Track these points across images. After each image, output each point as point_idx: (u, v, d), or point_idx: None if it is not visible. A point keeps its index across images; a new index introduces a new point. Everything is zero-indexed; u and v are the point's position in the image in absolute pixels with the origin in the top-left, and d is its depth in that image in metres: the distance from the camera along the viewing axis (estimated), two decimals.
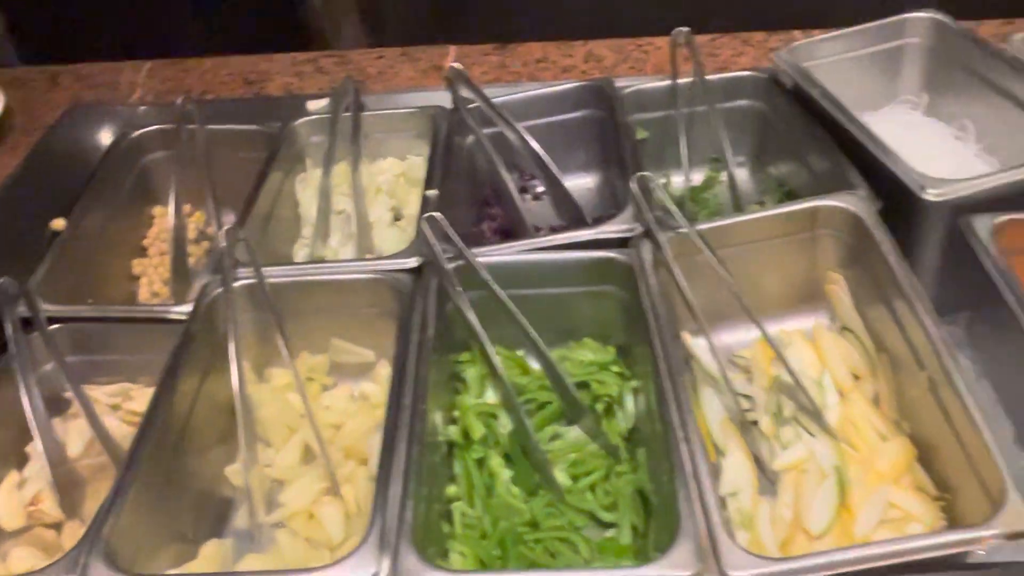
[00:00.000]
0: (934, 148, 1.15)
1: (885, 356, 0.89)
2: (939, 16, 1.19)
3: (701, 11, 1.53)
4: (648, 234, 0.93)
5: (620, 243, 0.97)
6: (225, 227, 0.96)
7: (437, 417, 0.86)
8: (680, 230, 0.92)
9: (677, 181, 1.28)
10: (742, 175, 1.30)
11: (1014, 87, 1.08)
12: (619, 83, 1.27)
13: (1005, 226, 0.91)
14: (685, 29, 1.22)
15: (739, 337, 1.00)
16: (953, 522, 0.75)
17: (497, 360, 0.88)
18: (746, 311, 0.88)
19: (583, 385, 0.96)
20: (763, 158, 1.27)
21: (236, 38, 1.77)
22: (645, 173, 0.94)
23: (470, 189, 1.25)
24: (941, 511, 0.77)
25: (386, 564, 0.69)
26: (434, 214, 0.94)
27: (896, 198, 0.95)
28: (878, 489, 0.79)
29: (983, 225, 0.91)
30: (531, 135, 1.22)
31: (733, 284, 0.87)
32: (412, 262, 0.98)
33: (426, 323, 0.90)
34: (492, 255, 0.97)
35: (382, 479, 0.75)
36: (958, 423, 0.74)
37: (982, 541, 0.65)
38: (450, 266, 0.95)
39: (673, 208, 0.91)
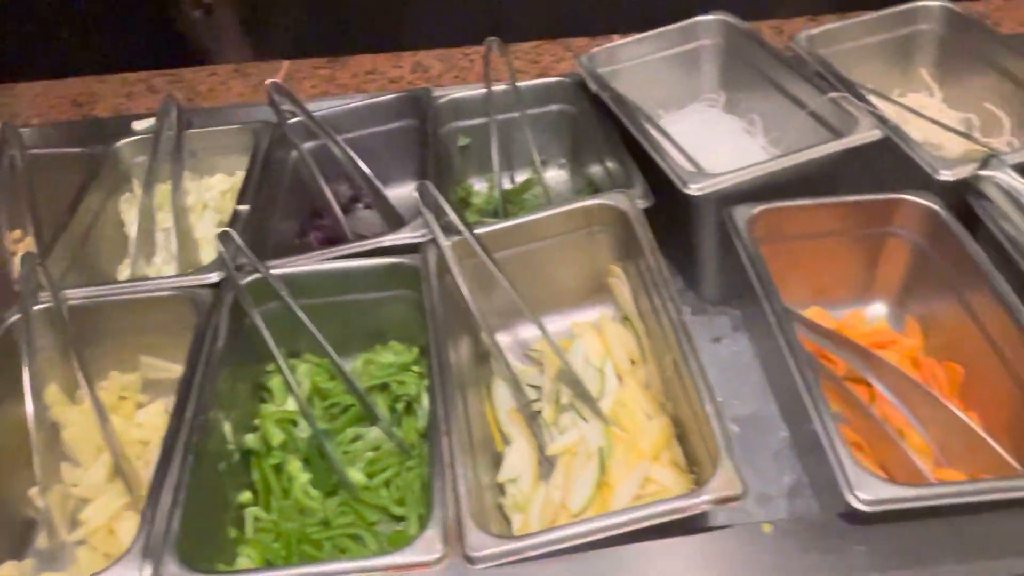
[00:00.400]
0: (726, 142, 1.22)
1: (652, 342, 0.95)
2: (727, 17, 1.27)
3: (529, 18, 1.59)
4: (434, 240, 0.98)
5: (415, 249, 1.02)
6: (18, 254, 0.97)
7: (228, 427, 0.89)
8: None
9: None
10: (562, 176, 1.37)
11: (788, 83, 1.16)
12: (443, 92, 1.32)
13: (760, 215, 0.98)
14: (494, 39, 1.27)
15: (538, 332, 1.06)
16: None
17: (285, 367, 0.91)
18: (522, 308, 0.93)
19: (384, 386, 1.00)
20: (578, 159, 1.33)
21: (116, 57, 1.76)
22: (426, 182, 0.99)
23: (298, 201, 1.28)
24: (694, 483, 0.84)
25: (148, 572, 0.71)
26: (227, 229, 0.98)
27: (669, 194, 1.01)
28: (638, 466, 0.85)
29: (741, 215, 0.98)
30: (355, 146, 1.26)
31: (506, 283, 0.92)
32: (213, 277, 1.00)
33: (217, 336, 0.92)
34: (291, 266, 1.00)
35: (154, 490, 0.78)
36: (693, 400, 0.80)
37: (697, 507, 0.71)
38: (249, 279, 0.98)
39: (451, 214, 0.95)
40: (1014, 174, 0.95)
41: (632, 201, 0.99)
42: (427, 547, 0.71)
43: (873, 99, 1.22)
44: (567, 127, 1.33)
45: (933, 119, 1.17)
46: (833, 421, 0.77)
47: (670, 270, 1.14)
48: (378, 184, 1.23)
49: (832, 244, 1.04)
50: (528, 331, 1.05)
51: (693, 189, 0.97)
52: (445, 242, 0.95)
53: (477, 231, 0.98)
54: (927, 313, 1.01)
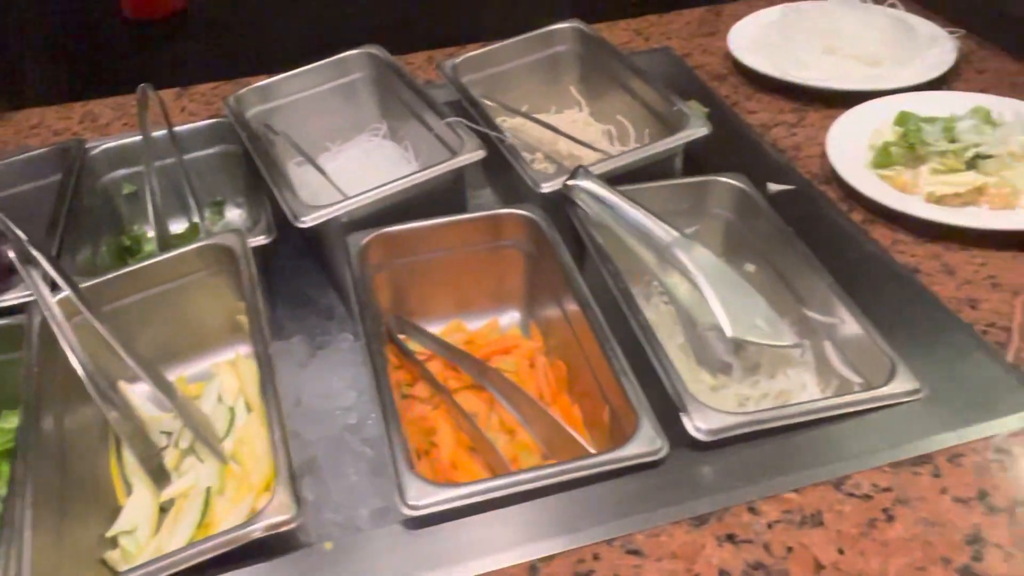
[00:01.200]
0: (385, 170, 1.27)
1: None
2: (373, 50, 1.32)
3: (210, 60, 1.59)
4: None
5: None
6: None
7: None
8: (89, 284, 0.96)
9: (175, 228, 1.33)
10: (243, 215, 1.37)
11: (422, 111, 1.22)
12: (100, 142, 1.31)
13: (375, 240, 1.03)
14: (147, 84, 1.26)
15: (189, 371, 1.07)
16: None
17: None
18: (127, 360, 0.93)
19: (11, 452, 0.97)
20: (252, 198, 1.34)
21: None
22: (21, 237, 0.97)
23: None
24: None
25: None
26: None
27: (294, 228, 1.04)
28: (245, 500, 0.87)
29: (354, 242, 1.02)
30: (9, 205, 1.21)
31: (109, 336, 0.92)
32: None
33: None
34: None
35: None
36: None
37: (248, 536, 0.73)
38: None
39: (50, 268, 0.94)
40: (598, 182, 1.03)
41: (243, 240, 1.01)
42: None
43: (519, 118, 1.31)
44: (236, 167, 1.33)
45: (562, 132, 1.26)
46: (400, 436, 0.81)
47: (335, 299, 1.19)
48: (26, 242, 1.20)
49: (463, 259, 1.09)
50: (171, 375, 1.05)
51: (304, 221, 1.00)
52: (50, 299, 0.94)
53: (90, 283, 0.97)
54: (543, 316, 1.08)
